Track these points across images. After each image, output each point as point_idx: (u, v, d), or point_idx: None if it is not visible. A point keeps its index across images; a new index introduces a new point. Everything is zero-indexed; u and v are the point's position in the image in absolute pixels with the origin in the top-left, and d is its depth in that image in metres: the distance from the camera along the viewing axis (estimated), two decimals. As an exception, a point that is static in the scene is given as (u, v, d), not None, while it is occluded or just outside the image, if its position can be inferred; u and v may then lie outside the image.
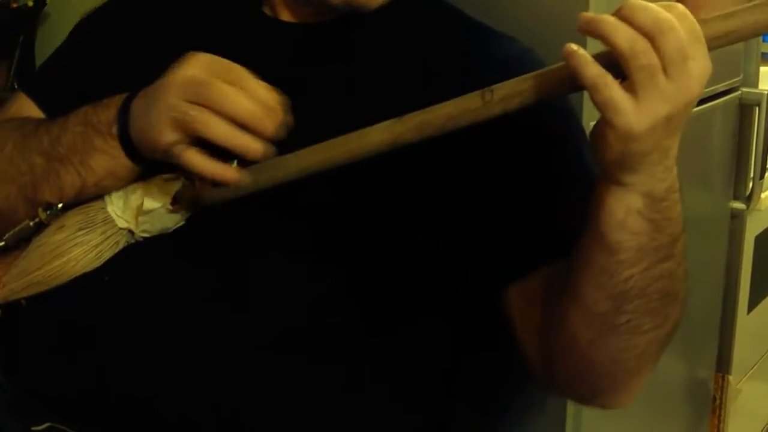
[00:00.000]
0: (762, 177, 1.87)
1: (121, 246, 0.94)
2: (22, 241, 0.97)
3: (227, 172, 0.86)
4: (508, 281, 0.95)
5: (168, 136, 0.85)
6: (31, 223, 0.96)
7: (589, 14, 0.74)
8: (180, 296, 0.93)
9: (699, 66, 0.73)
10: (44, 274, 0.94)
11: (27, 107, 1.11)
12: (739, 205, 1.88)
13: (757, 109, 1.84)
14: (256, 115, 0.84)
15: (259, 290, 0.93)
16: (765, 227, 2.04)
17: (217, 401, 0.92)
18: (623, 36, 0.72)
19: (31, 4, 1.67)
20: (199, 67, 0.86)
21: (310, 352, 0.94)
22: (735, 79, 1.80)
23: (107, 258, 0.94)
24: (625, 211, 0.79)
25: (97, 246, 0.93)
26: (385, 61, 1.03)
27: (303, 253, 0.94)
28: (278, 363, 0.93)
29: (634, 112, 0.73)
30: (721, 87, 1.73)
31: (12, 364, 1.01)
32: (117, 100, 0.93)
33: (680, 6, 0.74)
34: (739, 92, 1.83)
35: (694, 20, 0.74)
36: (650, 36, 0.71)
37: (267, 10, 1.09)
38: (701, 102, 1.62)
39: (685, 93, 0.73)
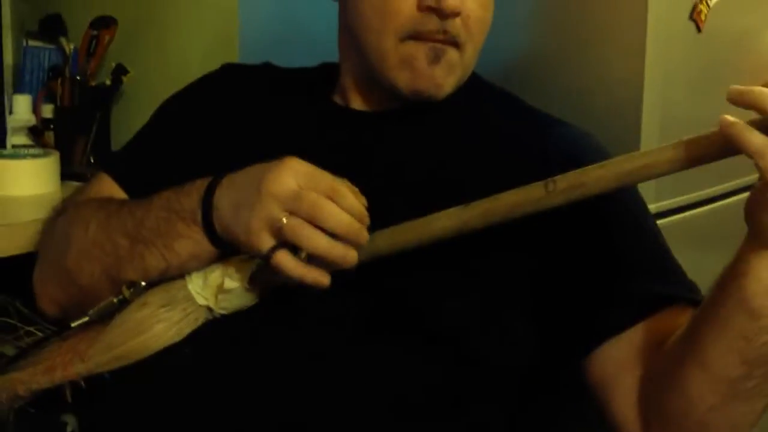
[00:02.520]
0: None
1: (200, 322, 0.97)
2: (106, 316, 1.00)
3: (318, 277, 0.89)
4: (591, 347, 0.97)
5: (266, 242, 0.88)
6: (115, 300, 0.98)
7: (740, 87, 0.78)
8: (258, 370, 0.96)
9: None
10: (127, 349, 0.97)
11: (108, 187, 1.16)
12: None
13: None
14: (353, 228, 0.87)
15: (338, 365, 0.96)
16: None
17: None
18: None
19: (108, 83, 1.74)
20: (296, 177, 0.88)
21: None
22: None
23: (187, 333, 0.97)
24: None
25: (178, 322, 0.96)
26: (450, 147, 1.08)
27: (380, 326, 0.97)
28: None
29: None
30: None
31: (93, 433, 1.04)
32: (199, 187, 0.96)
33: None
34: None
35: None
36: None
37: (338, 99, 1.14)
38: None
39: None
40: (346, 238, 0.87)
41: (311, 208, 0.87)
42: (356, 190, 0.90)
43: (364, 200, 0.90)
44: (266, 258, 0.89)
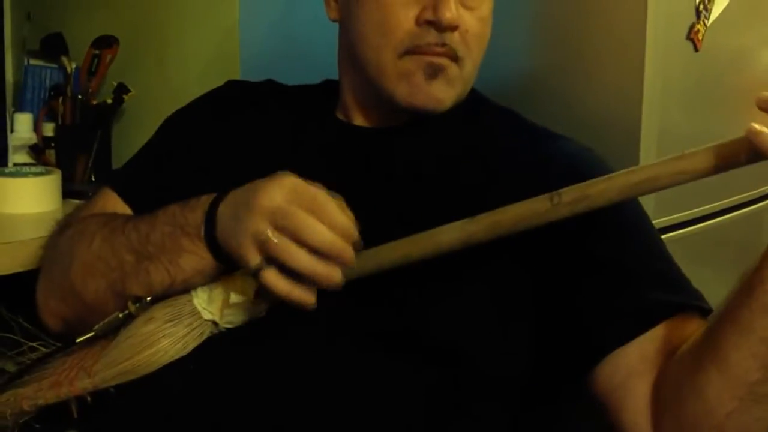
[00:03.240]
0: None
1: (205, 336, 0.97)
2: (111, 331, 1.00)
3: (303, 296, 0.89)
4: (600, 357, 0.98)
5: (252, 258, 0.89)
6: (121, 315, 0.99)
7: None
8: (261, 383, 0.96)
9: None
10: (133, 364, 0.97)
11: (113, 202, 1.16)
12: None
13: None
14: (338, 246, 0.87)
15: (339, 377, 0.96)
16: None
17: None
18: None
19: (110, 101, 1.75)
20: (284, 191, 0.88)
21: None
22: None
23: (192, 348, 0.97)
24: None
25: (183, 337, 0.97)
26: (452, 161, 1.08)
27: (380, 337, 0.97)
28: None
29: None
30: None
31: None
32: (204, 203, 0.97)
33: None
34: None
35: None
36: None
37: (340, 115, 1.15)
38: None
39: None
40: (329, 256, 0.87)
41: (295, 225, 0.87)
42: (345, 206, 0.90)
43: (352, 216, 0.90)
44: (254, 274, 0.89)
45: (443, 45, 1.03)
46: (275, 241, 0.87)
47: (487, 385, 1.01)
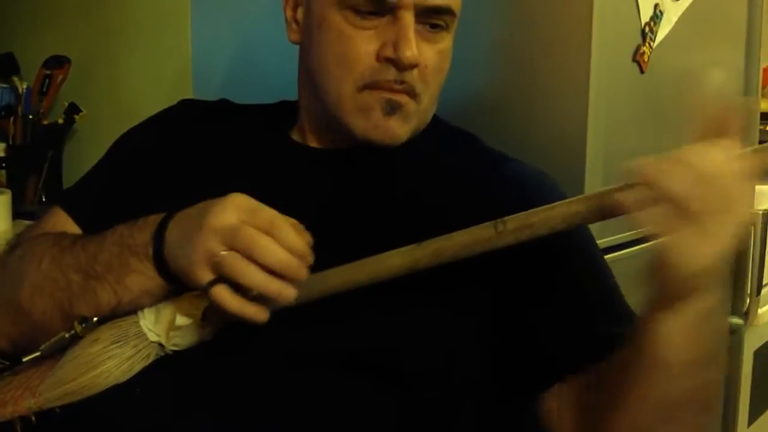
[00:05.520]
0: (759, 293, 1.89)
1: (151, 359, 0.97)
2: (57, 351, 0.99)
3: (255, 313, 0.90)
4: (546, 387, 0.99)
5: (204, 275, 0.90)
6: (67, 335, 0.98)
7: (636, 163, 0.80)
8: (206, 407, 0.95)
9: (744, 204, 0.79)
10: (78, 385, 0.96)
11: (63, 222, 1.16)
12: (737, 320, 1.88)
13: (753, 228, 1.87)
14: (289, 264, 0.88)
15: (289, 400, 0.96)
16: (763, 342, 2.06)
17: None
18: (677, 186, 0.78)
19: (61, 121, 1.74)
20: (237, 212, 0.90)
21: None
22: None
23: (138, 370, 0.97)
24: (679, 330, 0.83)
25: (129, 359, 0.96)
26: (408, 184, 1.09)
27: (329, 359, 0.97)
28: None
29: (695, 253, 0.78)
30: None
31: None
32: (152, 223, 0.97)
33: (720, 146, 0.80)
34: (736, 211, 1.87)
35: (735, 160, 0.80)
36: (700, 182, 0.77)
37: (295, 136, 1.16)
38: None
39: (735, 227, 0.79)
40: (282, 274, 0.88)
41: (248, 243, 0.88)
42: (301, 227, 0.91)
43: (309, 237, 0.91)
44: (205, 291, 0.90)
45: (402, 82, 1.04)
46: (228, 259, 0.88)
47: (452, 405, 1.01)
